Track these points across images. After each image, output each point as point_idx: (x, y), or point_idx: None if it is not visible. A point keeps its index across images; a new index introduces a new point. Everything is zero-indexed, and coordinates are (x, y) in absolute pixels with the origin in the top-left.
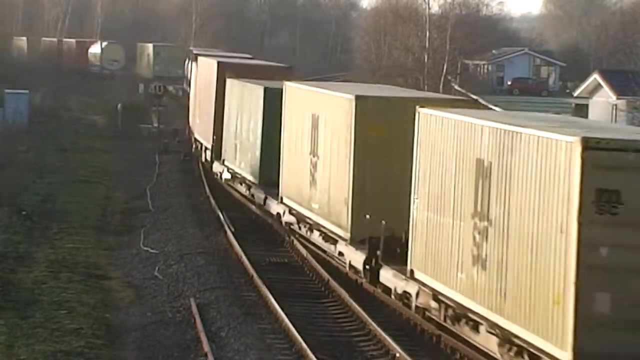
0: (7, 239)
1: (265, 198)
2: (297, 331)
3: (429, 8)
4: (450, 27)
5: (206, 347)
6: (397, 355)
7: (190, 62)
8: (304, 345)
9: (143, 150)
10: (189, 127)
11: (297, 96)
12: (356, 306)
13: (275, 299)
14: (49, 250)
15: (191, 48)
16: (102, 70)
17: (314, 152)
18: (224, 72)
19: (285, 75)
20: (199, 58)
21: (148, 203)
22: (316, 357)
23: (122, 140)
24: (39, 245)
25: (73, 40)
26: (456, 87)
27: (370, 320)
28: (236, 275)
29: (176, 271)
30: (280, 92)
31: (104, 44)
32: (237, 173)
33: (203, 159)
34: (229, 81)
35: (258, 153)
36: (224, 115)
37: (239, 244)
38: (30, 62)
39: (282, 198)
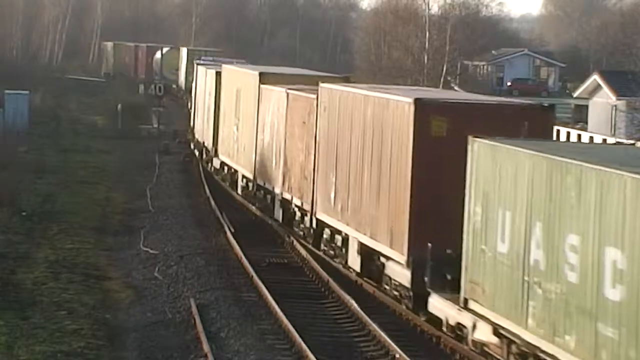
0: (7, 239)
1: None
2: (297, 332)
3: (429, 9)
4: (450, 27)
5: (206, 347)
6: (397, 356)
7: (205, 73)
8: (303, 346)
9: (143, 150)
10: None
11: None
12: (356, 307)
13: (275, 300)
14: (49, 251)
15: (229, 60)
16: (162, 81)
17: None
18: (428, 118)
19: (540, 121)
20: (323, 87)
21: (148, 204)
22: (316, 357)
23: (122, 140)
24: (39, 245)
25: (144, 45)
26: (456, 87)
27: (370, 321)
28: (236, 276)
29: (176, 272)
30: None
31: (165, 49)
32: None
33: (342, 263)
34: (486, 149)
35: None
36: (468, 213)
37: (238, 245)
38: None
39: None
